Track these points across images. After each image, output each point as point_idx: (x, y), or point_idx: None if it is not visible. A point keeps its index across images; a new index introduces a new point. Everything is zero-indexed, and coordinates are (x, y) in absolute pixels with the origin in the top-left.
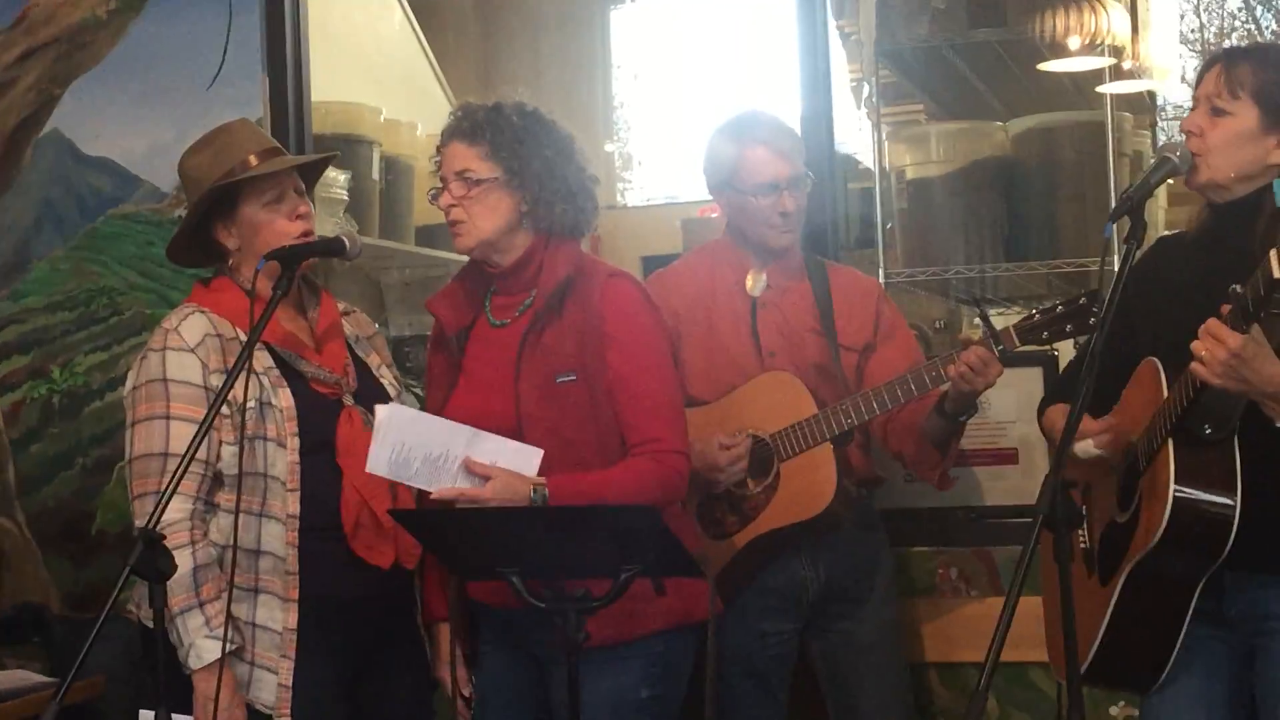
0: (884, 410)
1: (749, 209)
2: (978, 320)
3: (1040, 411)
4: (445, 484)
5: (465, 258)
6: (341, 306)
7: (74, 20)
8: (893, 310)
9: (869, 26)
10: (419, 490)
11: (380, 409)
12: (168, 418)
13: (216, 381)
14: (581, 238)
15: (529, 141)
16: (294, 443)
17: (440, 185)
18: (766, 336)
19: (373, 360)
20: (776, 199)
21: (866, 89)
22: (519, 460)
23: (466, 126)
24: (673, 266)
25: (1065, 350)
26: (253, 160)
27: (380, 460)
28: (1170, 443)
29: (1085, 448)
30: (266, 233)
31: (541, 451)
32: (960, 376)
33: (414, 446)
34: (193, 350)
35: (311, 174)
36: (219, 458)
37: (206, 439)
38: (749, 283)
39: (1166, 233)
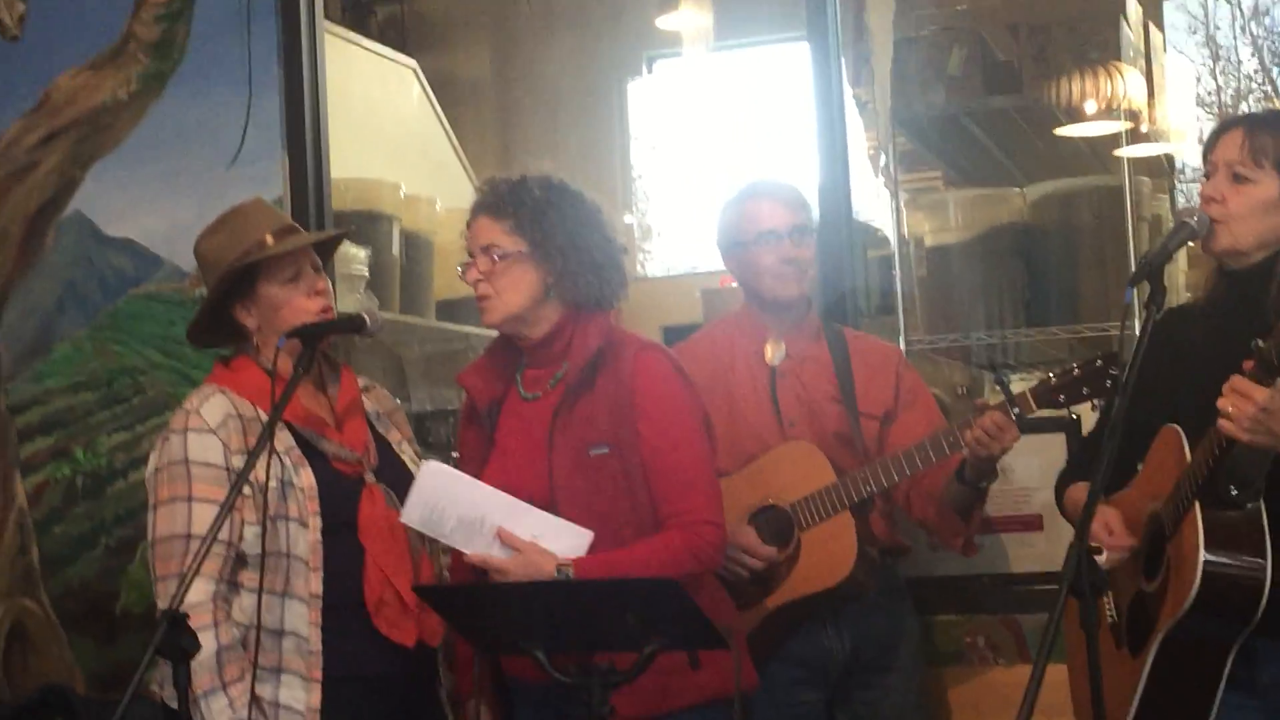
0: (902, 477)
1: (755, 262)
2: (997, 386)
3: (1058, 490)
4: (478, 548)
5: (489, 331)
6: (362, 382)
7: (95, 103)
8: (913, 376)
9: (885, 95)
10: (441, 570)
11: (425, 464)
12: (190, 499)
13: (238, 462)
14: (611, 309)
15: (553, 214)
16: (316, 522)
17: (469, 260)
18: (786, 406)
19: (393, 436)
20: (780, 245)
21: (884, 157)
22: (565, 539)
23: (492, 201)
24: (692, 338)
25: (1087, 415)
26: (268, 239)
27: (414, 513)
28: (1197, 506)
29: (1110, 560)
30: (286, 311)
31: (591, 534)
32: (977, 441)
33: (450, 506)
34: (214, 431)
35: (328, 250)
36: (241, 538)
37: (229, 520)
38: (768, 352)
39: (1175, 305)
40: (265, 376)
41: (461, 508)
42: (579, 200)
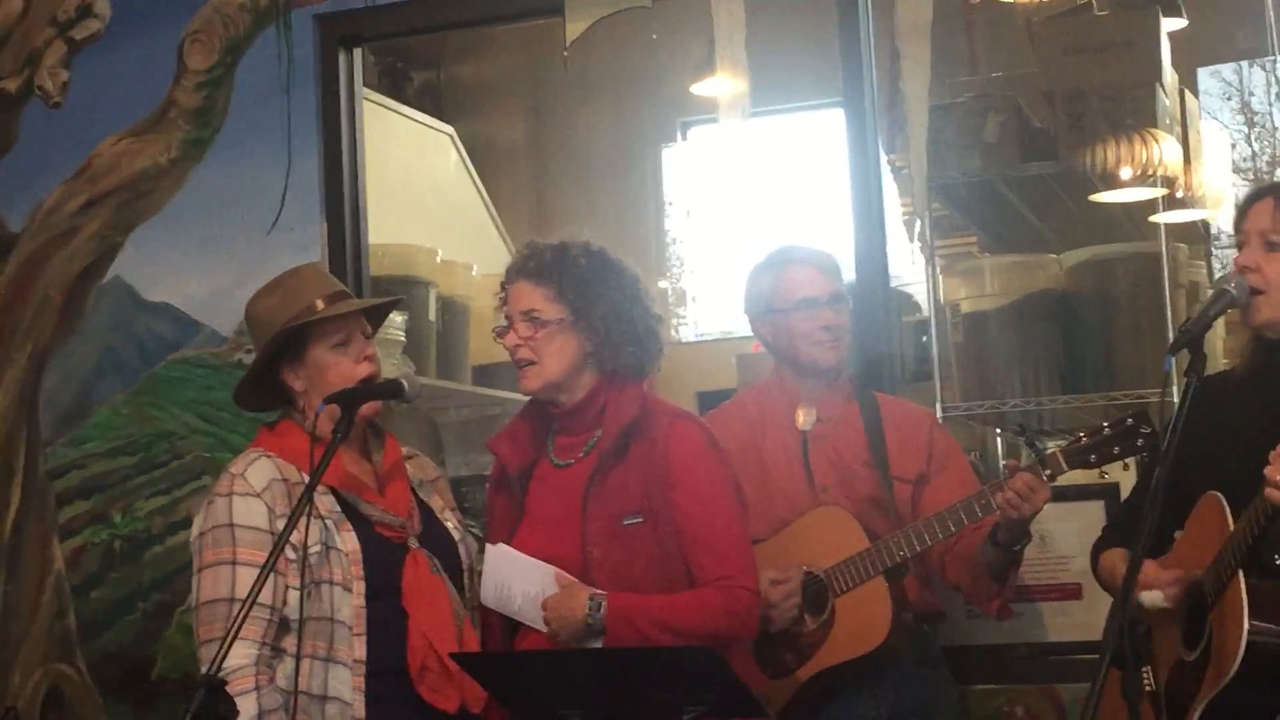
0: (935, 541)
1: (793, 329)
2: (1028, 449)
3: (1094, 557)
4: (540, 624)
5: (523, 396)
6: (405, 450)
7: (136, 169)
8: (946, 439)
9: (920, 161)
10: (484, 635)
11: (490, 549)
12: (234, 563)
13: (282, 526)
14: (646, 379)
15: (596, 284)
16: (359, 586)
17: (505, 323)
18: (819, 470)
19: (436, 504)
20: (819, 313)
21: (919, 223)
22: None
23: (534, 266)
24: (724, 406)
25: (1126, 481)
26: (320, 304)
27: (488, 594)
28: (1240, 576)
29: (1153, 599)
30: (333, 374)
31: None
32: (1008, 503)
33: (515, 584)
34: (259, 495)
35: (377, 317)
36: (285, 602)
37: (272, 584)
38: (800, 418)
39: (1213, 371)
40: (309, 441)
41: (524, 584)
42: (620, 271)
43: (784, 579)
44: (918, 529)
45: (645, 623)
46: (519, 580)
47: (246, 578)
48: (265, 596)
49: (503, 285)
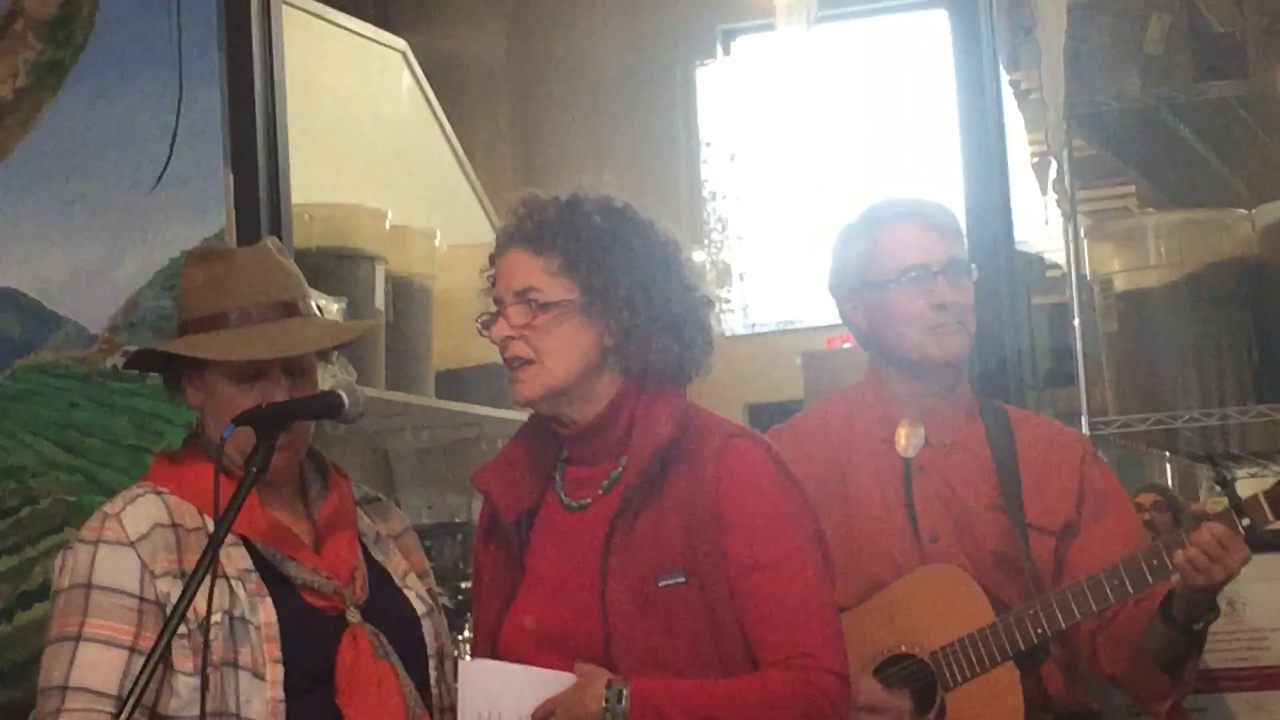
0: (1086, 615)
1: (893, 308)
2: (1217, 486)
3: None
4: None
5: (513, 414)
6: (360, 494)
7: None
8: (1104, 475)
9: (1056, 82)
10: None
11: (461, 665)
12: (78, 639)
13: (166, 587)
14: (688, 383)
15: (618, 251)
16: (276, 673)
17: (494, 310)
18: (926, 513)
19: (395, 565)
20: (930, 286)
21: (1055, 167)
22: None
23: (531, 229)
24: (794, 421)
25: None
26: (233, 314)
27: None
28: None
29: None
30: (229, 411)
31: None
32: (1192, 565)
33: (505, 707)
34: (133, 545)
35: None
36: (172, 692)
37: (123, 666)
38: (900, 439)
39: None
40: (224, 475)
41: (518, 703)
42: (651, 234)
43: (882, 706)
44: (1062, 598)
45: (680, 717)
46: (513, 702)
47: (89, 658)
48: (107, 684)
49: (491, 258)
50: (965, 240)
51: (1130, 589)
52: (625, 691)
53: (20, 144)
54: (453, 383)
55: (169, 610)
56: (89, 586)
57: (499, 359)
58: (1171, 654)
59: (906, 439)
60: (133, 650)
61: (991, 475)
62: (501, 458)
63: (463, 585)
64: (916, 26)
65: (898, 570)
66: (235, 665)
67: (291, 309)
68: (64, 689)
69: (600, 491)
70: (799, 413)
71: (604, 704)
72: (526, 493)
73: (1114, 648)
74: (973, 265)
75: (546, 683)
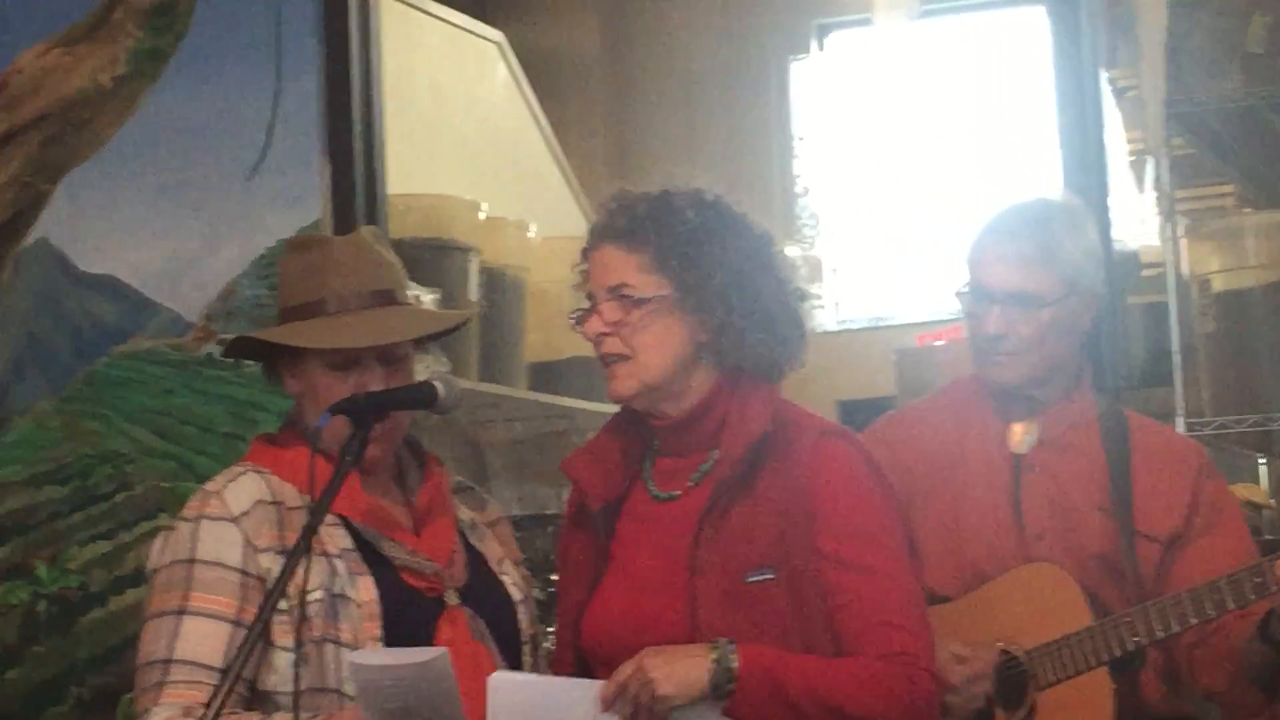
0: (1184, 627)
1: (966, 316)
2: None
3: None
4: None
5: (604, 406)
6: (455, 482)
7: (68, 91)
8: (1219, 490)
9: (1156, 79)
10: None
11: (490, 680)
12: (181, 613)
13: (269, 563)
14: (782, 379)
15: (711, 246)
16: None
17: (587, 305)
18: (1032, 511)
19: (492, 551)
20: (987, 313)
21: (1153, 166)
22: None
23: (624, 224)
24: (910, 409)
25: None
26: (331, 303)
27: None
28: None
29: None
30: (325, 399)
31: None
32: None
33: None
34: (234, 521)
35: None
36: (271, 668)
37: (227, 639)
38: (1015, 435)
39: None
40: (321, 458)
41: (553, 714)
42: (745, 229)
43: (971, 656)
44: (1162, 608)
45: (798, 690)
46: (547, 712)
47: (194, 631)
48: (213, 656)
49: (583, 252)
50: (1059, 270)
51: (1232, 605)
52: (733, 652)
53: (119, 132)
54: (545, 375)
55: (269, 585)
56: (192, 561)
57: (591, 352)
58: (1268, 673)
59: (1020, 436)
60: (236, 624)
61: (1103, 478)
62: (592, 446)
63: (552, 577)
64: (1014, 23)
65: (1000, 564)
66: (336, 641)
67: (388, 298)
68: (168, 661)
69: (690, 484)
70: (917, 402)
71: (713, 659)
72: (615, 482)
73: (1211, 662)
74: (1061, 299)
75: (575, 692)
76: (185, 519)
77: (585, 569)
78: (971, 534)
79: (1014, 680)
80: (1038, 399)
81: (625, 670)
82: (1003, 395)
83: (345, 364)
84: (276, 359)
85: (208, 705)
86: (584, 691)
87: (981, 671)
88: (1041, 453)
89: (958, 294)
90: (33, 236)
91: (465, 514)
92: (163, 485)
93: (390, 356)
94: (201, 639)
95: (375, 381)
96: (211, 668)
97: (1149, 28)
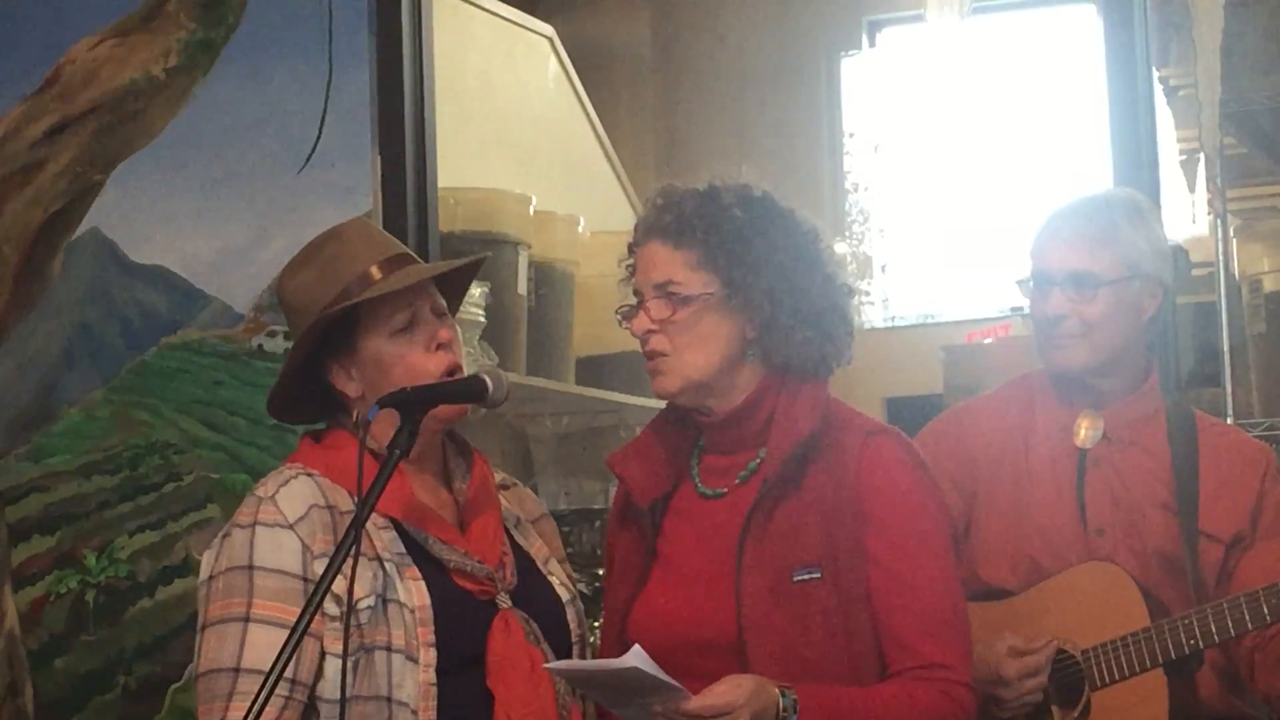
0: (1244, 631)
1: (1030, 307)
2: None
3: None
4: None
5: (651, 401)
6: (499, 478)
7: (121, 82)
8: None
9: (1209, 78)
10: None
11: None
12: (246, 620)
13: (324, 569)
14: (829, 376)
15: (759, 244)
16: (429, 656)
17: (634, 301)
18: (1095, 506)
19: (537, 551)
20: (1047, 296)
21: (1205, 165)
22: None
23: (670, 221)
24: (976, 401)
25: None
26: (374, 273)
27: None
28: None
29: None
30: (399, 372)
31: None
32: None
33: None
34: (291, 527)
35: (455, 287)
36: (320, 675)
37: (297, 650)
38: (1079, 430)
39: None
40: (369, 457)
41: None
42: (793, 225)
43: (1029, 650)
44: (1219, 611)
45: None
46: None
47: (260, 639)
48: (289, 669)
49: (630, 248)
50: (1119, 251)
51: None
52: (794, 700)
53: (171, 123)
54: (593, 369)
55: (314, 591)
56: (251, 568)
57: (639, 347)
58: None
59: (1085, 431)
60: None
61: (1168, 476)
62: (638, 442)
63: (599, 572)
64: (1066, 20)
65: (1060, 559)
66: (388, 648)
67: (406, 259)
68: (236, 670)
69: (737, 481)
70: (985, 394)
71: (780, 710)
72: (662, 478)
73: (1271, 667)
74: (1120, 280)
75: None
76: (240, 525)
77: (632, 565)
78: (1033, 526)
79: (1070, 678)
80: (1103, 391)
81: (722, 701)
82: (1067, 386)
83: (402, 326)
84: (328, 369)
85: (247, 712)
86: (671, 692)
87: (1039, 666)
88: (1106, 447)
89: (1018, 283)
90: (84, 226)
91: (508, 510)
92: (211, 476)
93: (440, 311)
94: (269, 648)
95: (443, 330)
96: (281, 677)
97: (1205, 27)
